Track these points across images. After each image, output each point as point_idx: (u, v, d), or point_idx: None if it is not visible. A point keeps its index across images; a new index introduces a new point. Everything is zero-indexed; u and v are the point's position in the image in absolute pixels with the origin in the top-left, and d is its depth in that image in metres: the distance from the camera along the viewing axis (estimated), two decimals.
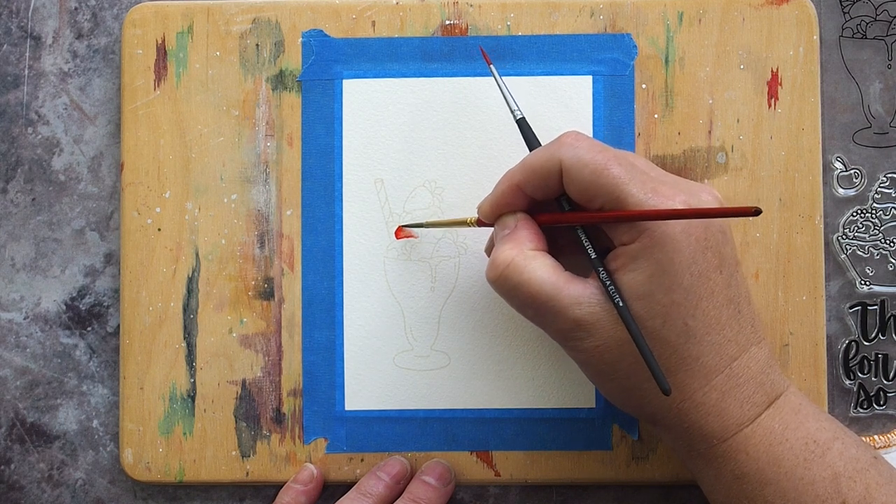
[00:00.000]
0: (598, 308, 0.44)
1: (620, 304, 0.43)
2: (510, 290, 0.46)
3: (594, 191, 0.44)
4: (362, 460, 0.54)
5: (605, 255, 0.45)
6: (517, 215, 0.47)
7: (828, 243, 0.55)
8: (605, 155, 0.44)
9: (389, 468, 0.53)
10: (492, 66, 0.51)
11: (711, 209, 0.42)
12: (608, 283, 0.44)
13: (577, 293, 0.44)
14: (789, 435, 0.44)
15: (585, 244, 0.46)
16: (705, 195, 0.45)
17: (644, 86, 0.54)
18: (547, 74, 0.54)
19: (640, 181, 0.43)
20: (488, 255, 0.49)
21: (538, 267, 0.45)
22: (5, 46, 0.57)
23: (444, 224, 0.52)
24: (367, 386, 0.54)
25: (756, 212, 0.37)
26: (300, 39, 0.55)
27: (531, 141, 0.49)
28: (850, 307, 0.55)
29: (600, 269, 0.45)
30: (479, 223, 0.49)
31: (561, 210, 0.47)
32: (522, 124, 0.49)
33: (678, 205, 0.43)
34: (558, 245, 0.49)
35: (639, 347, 0.42)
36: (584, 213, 0.46)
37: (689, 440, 0.45)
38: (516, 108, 0.50)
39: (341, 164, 0.54)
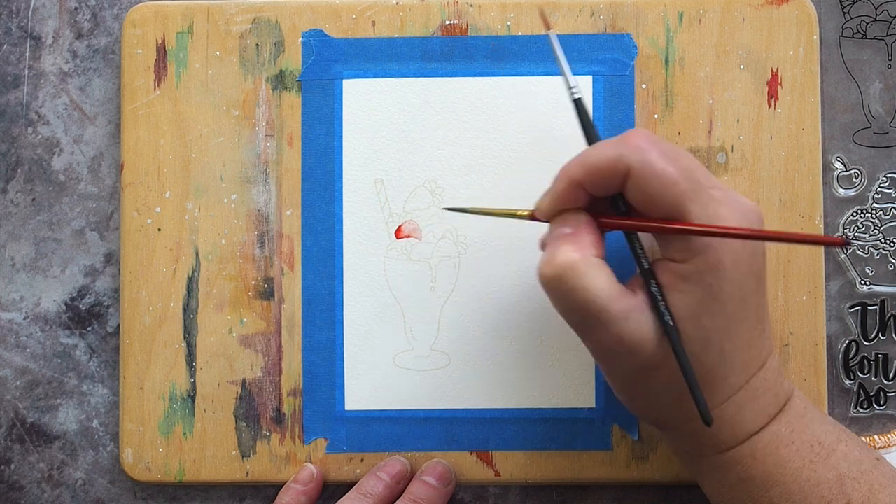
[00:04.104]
0: (644, 326, 0.43)
1: (670, 322, 0.42)
2: (565, 292, 0.43)
3: (658, 202, 0.42)
4: (362, 460, 0.54)
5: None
6: (580, 216, 0.45)
7: None
8: (677, 166, 0.42)
9: (390, 468, 0.53)
10: (552, 32, 0.48)
11: (795, 235, 0.41)
12: (660, 300, 0.43)
13: (627, 307, 0.43)
14: (795, 438, 0.44)
15: (640, 254, 0.44)
16: (753, 215, 0.43)
17: (644, 86, 0.54)
18: (547, 74, 0.54)
19: (703, 202, 0.42)
20: (542, 250, 0.47)
21: (599, 276, 0.43)
22: (5, 46, 0.57)
23: (493, 213, 0.49)
24: (367, 386, 0.54)
25: (845, 242, 0.38)
26: (300, 39, 0.55)
27: (589, 128, 0.47)
28: (850, 307, 0.55)
29: (653, 285, 0.43)
30: (533, 217, 0.47)
31: (615, 207, 0.46)
32: (579, 105, 0.47)
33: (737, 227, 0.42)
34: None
35: (685, 374, 0.42)
36: (651, 220, 0.44)
37: (699, 447, 0.46)
38: (574, 86, 0.47)
39: (341, 164, 0.54)
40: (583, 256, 0.43)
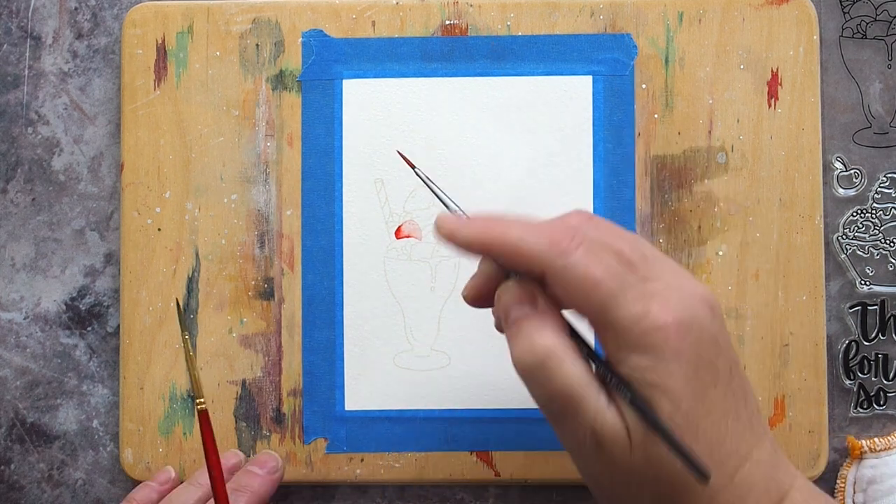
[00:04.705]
0: (617, 419, 0.40)
1: (629, 396, 0.39)
2: (545, 381, 0.40)
3: (582, 306, 0.40)
4: (362, 460, 0.54)
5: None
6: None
7: (828, 243, 0.55)
8: (599, 265, 0.39)
9: (261, 461, 0.53)
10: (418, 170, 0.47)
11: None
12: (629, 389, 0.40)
13: (600, 404, 0.40)
14: None
15: (592, 353, 0.41)
16: (695, 300, 0.40)
17: (644, 86, 0.54)
18: (547, 74, 0.54)
19: (632, 297, 0.39)
20: (499, 330, 0.43)
21: (576, 362, 0.40)
22: (5, 46, 0.57)
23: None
24: (367, 386, 0.54)
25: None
26: (300, 39, 0.55)
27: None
28: (850, 307, 0.55)
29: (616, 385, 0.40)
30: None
31: None
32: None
33: (670, 327, 0.39)
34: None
35: (667, 439, 0.39)
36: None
37: None
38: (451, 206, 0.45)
39: (341, 164, 0.54)
40: (561, 342, 0.40)
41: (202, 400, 0.49)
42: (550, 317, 0.41)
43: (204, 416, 0.49)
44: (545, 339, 0.40)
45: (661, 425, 0.39)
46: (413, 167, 0.48)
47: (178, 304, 0.54)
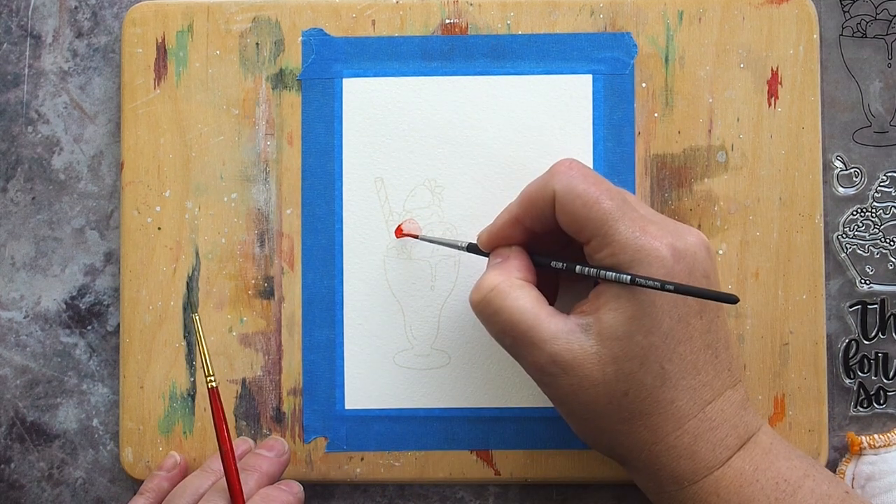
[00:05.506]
0: (576, 346, 0.44)
1: (627, 279, 0.43)
2: (491, 314, 0.46)
3: (583, 222, 0.44)
4: (362, 459, 0.54)
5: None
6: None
7: (828, 242, 0.55)
8: (598, 187, 0.44)
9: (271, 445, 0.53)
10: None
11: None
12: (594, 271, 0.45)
13: (556, 328, 0.44)
14: (760, 476, 0.44)
15: (584, 271, 0.46)
16: (691, 237, 0.45)
17: (644, 84, 0.54)
18: (547, 73, 0.54)
19: (630, 218, 0.44)
20: None
21: (521, 296, 0.45)
22: (5, 45, 0.57)
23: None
24: (367, 385, 0.54)
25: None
26: (300, 38, 0.55)
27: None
28: (850, 306, 0.55)
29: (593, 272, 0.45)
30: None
31: (560, 245, 0.48)
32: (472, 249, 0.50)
33: (664, 247, 0.43)
34: (549, 283, 0.50)
35: (685, 291, 0.43)
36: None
37: (660, 482, 0.45)
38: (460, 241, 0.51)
39: (341, 162, 0.54)
40: (505, 278, 0.46)
41: (212, 378, 0.48)
42: (509, 263, 0.47)
43: (214, 394, 0.48)
44: (490, 278, 0.46)
45: (669, 283, 0.42)
46: (417, 237, 0.53)
47: (187, 285, 0.54)
